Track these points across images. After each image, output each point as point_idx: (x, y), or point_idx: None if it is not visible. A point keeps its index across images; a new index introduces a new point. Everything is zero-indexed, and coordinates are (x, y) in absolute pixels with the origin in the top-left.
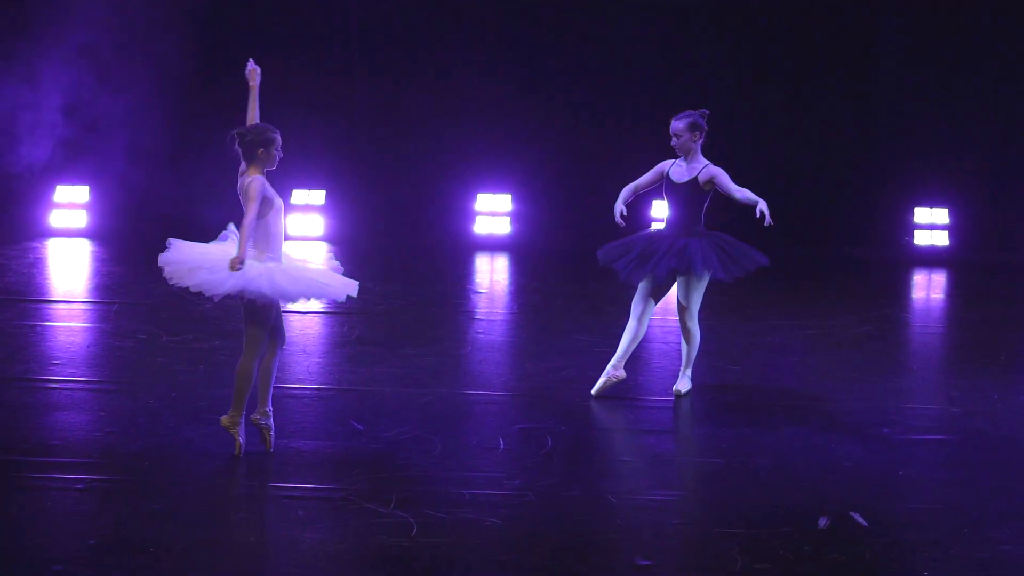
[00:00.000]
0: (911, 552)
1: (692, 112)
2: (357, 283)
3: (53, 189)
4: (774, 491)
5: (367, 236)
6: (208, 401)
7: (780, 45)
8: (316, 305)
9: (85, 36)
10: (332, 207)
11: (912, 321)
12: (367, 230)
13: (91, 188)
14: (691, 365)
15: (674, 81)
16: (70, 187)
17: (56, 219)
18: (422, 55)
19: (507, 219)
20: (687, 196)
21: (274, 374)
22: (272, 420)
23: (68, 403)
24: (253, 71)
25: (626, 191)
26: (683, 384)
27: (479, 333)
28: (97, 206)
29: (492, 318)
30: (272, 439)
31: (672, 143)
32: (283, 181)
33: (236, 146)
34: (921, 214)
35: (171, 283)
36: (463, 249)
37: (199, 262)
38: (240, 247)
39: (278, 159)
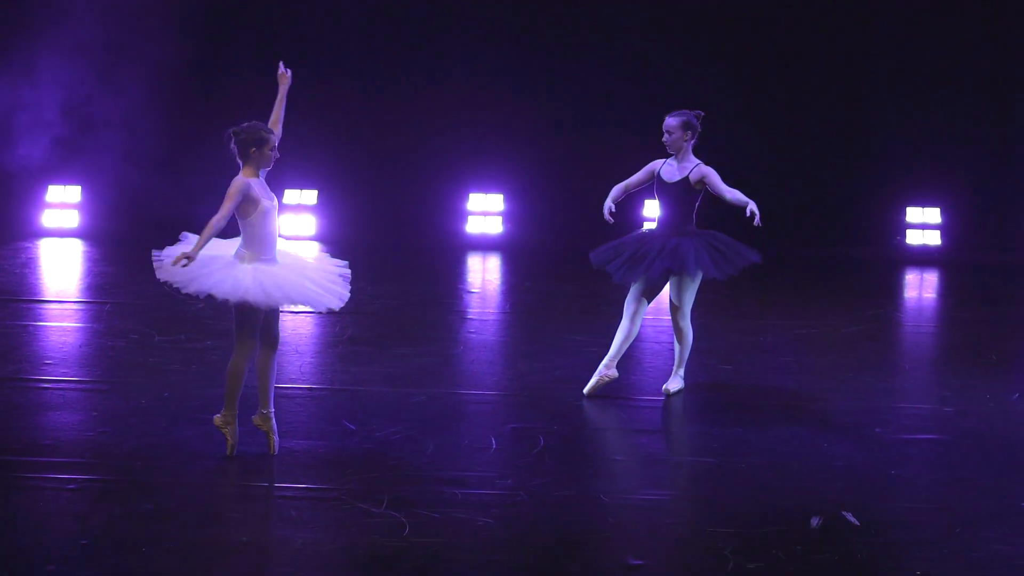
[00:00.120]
0: (903, 551)
1: (688, 111)
2: (346, 295)
3: (45, 189)
4: (766, 490)
5: (359, 236)
6: (201, 401)
7: (772, 45)
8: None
9: (79, 36)
10: (324, 207)
11: (904, 320)
12: (359, 230)
13: (83, 188)
14: (684, 365)
15: (666, 81)
16: (62, 187)
17: (48, 219)
18: (414, 55)
19: (499, 219)
20: (678, 195)
21: (272, 375)
22: (275, 422)
23: (61, 403)
24: (284, 74)
25: (616, 190)
26: (674, 384)
27: (471, 333)
28: (89, 206)
29: (484, 318)
30: (276, 442)
31: (663, 139)
32: (275, 181)
33: (232, 145)
34: (913, 213)
35: (158, 276)
36: (455, 249)
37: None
38: (196, 244)
39: (273, 159)
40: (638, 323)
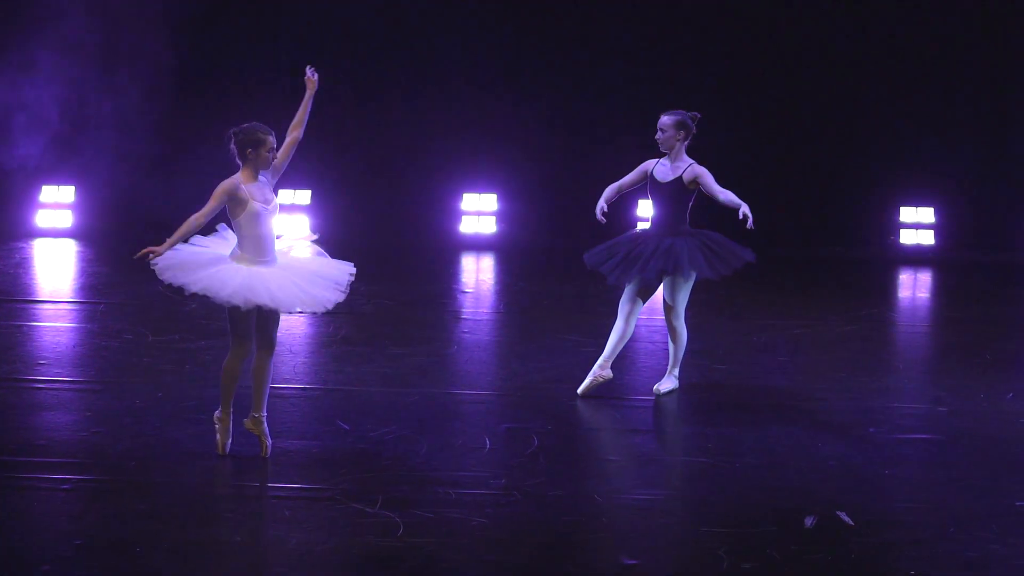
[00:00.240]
0: (897, 551)
1: (683, 112)
2: (339, 299)
3: (39, 189)
4: (760, 490)
5: (353, 236)
6: (195, 401)
7: (766, 45)
8: None
9: (74, 37)
10: (318, 207)
11: (898, 320)
12: (353, 230)
13: (77, 188)
14: (678, 365)
15: (660, 81)
16: (56, 187)
17: (42, 219)
18: (407, 54)
19: (493, 219)
20: (672, 195)
21: (266, 379)
22: (266, 426)
23: (54, 403)
24: (311, 79)
25: (609, 190)
26: (666, 384)
27: (465, 333)
28: (83, 206)
29: (478, 318)
30: (268, 446)
31: (656, 136)
32: None
33: (231, 145)
34: (907, 213)
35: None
36: (449, 249)
37: (186, 260)
38: (168, 241)
39: (271, 160)
40: (632, 323)
